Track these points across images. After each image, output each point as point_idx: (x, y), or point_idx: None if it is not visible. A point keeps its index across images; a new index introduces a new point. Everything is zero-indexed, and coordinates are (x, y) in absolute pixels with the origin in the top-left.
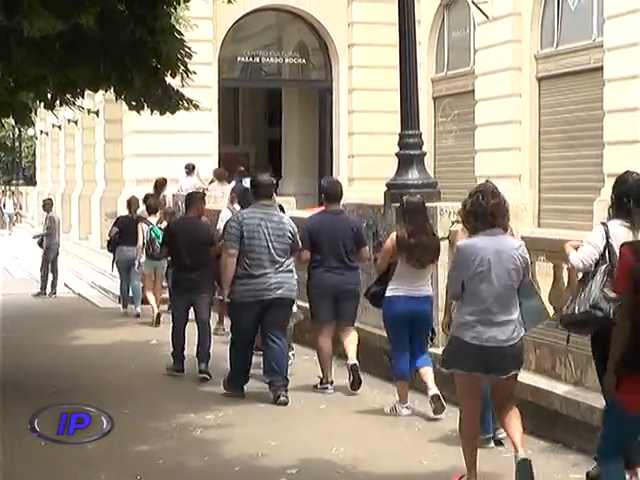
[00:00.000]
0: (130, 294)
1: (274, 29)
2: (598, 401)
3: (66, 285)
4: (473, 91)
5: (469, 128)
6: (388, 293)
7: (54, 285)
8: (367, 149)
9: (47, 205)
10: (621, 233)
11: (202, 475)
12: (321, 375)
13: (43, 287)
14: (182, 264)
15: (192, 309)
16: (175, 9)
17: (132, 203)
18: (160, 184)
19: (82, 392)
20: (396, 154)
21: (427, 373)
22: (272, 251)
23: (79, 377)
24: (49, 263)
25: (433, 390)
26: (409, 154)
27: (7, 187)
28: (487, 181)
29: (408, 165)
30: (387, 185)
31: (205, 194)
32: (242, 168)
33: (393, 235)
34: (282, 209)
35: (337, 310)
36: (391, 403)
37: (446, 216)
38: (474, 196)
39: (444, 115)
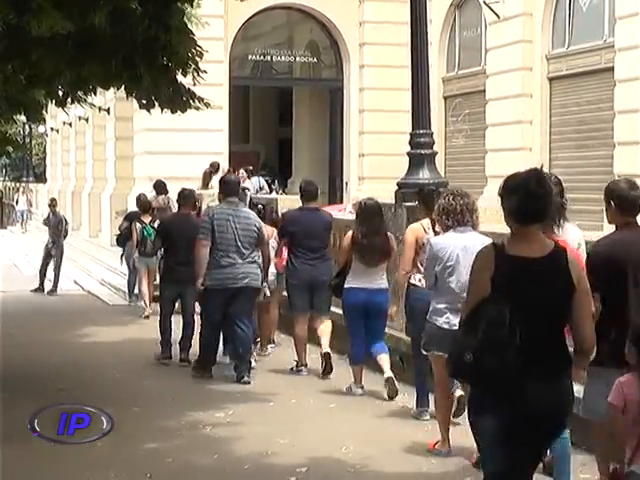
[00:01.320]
0: (136, 290)
1: (285, 28)
2: None
3: (76, 282)
4: (484, 91)
5: (480, 128)
6: (345, 285)
7: (57, 282)
8: (377, 148)
9: (53, 205)
10: None
11: (212, 473)
12: (296, 359)
13: (55, 284)
14: (175, 257)
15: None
16: (192, 5)
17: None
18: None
19: (90, 390)
20: (407, 153)
21: (383, 359)
22: (239, 244)
23: (88, 374)
24: (60, 261)
25: (387, 373)
26: (420, 153)
27: (19, 184)
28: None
29: (419, 164)
30: (398, 184)
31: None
32: (251, 167)
33: (349, 234)
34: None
35: (313, 301)
36: (348, 384)
37: None
38: (446, 197)
39: (455, 115)
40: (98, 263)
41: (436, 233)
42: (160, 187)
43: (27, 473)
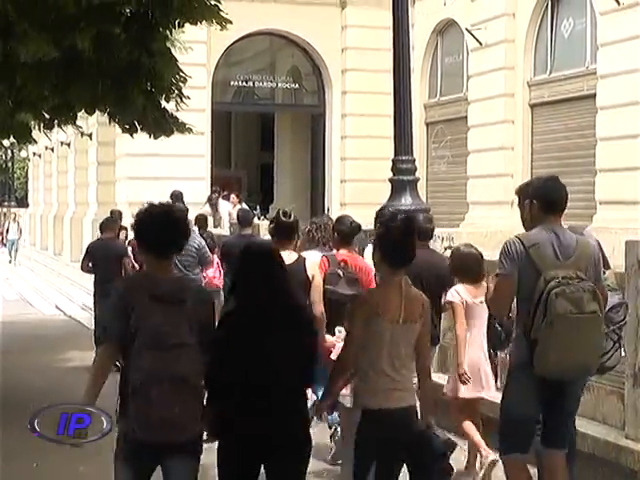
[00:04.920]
0: None
1: (267, 54)
2: (590, 428)
3: (57, 307)
4: (466, 117)
5: (462, 154)
6: None
7: None
8: (359, 174)
9: None
10: None
11: None
12: None
13: None
14: (100, 275)
15: None
16: (171, 32)
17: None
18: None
19: None
20: (389, 180)
21: None
22: (177, 263)
23: (69, 398)
24: None
25: None
26: (402, 180)
27: (2, 209)
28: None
29: (401, 191)
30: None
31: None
32: (226, 192)
33: None
34: None
35: None
36: None
37: (439, 241)
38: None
39: (437, 141)
40: (80, 288)
41: None
42: (175, 198)
43: None
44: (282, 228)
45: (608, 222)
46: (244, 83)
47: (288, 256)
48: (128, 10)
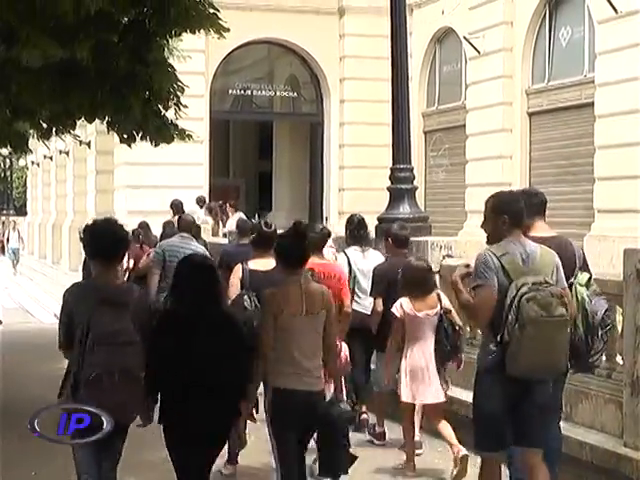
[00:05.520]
0: None
1: (266, 62)
2: (588, 436)
3: (56, 316)
4: (464, 126)
5: (460, 162)
6: None
7: None
8: (358, 183)
9: None
10: (357, 256)
11: None
12: None
13: None
14: None
15: None
16: (168, 41)
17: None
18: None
19: None
20: (388, 188)
21: None
22: None
23: None
24: None
25: None
26: (400, 188)
27: (5, 217)
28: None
29: (399, 199)
30: (378, 219)
31: None
32: (221, 202)
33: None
34: None
35: None
36: None
37: (437, 250)
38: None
39: (435, 149)
40: None
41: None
42: (175, 207)
43: None
44: (264, 238)
45: (606, 230)
46: (242, 92)
47: (269, 263)
48: (126, 19)
